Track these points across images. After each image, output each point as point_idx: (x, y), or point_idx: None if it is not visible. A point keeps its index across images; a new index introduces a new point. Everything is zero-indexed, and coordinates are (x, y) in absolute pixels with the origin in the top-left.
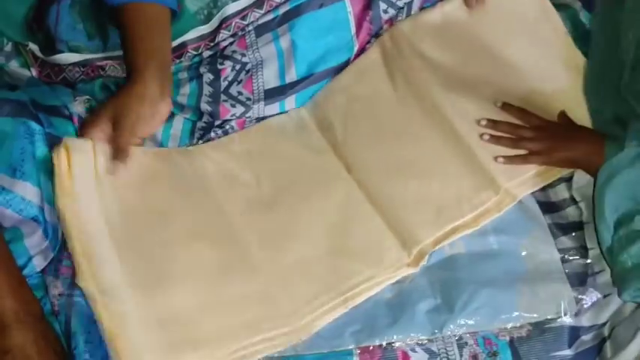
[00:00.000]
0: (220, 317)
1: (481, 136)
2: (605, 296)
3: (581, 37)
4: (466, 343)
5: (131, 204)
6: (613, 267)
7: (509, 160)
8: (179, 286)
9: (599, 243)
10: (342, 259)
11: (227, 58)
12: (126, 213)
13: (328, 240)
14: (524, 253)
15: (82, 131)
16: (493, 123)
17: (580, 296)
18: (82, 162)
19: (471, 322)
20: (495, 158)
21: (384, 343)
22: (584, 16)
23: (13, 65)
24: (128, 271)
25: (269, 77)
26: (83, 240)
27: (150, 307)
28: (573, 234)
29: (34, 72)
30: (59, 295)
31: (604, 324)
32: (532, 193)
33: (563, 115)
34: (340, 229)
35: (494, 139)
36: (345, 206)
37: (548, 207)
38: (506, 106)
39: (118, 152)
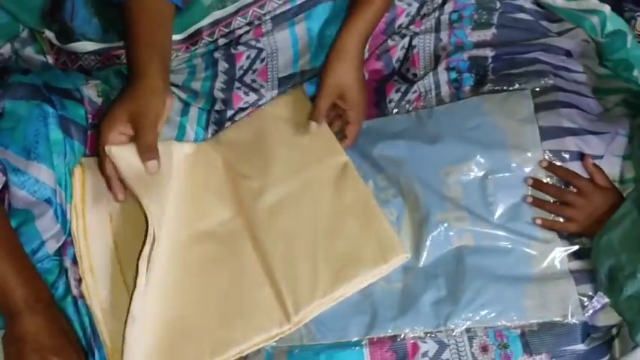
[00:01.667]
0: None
1: (525, 197)
2: None
3: (606, 46)
4: (476, 334)
5: (137, 215)
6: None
7: (550, 224)
8: (178, 298)
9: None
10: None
11: (242, 44)
12: (133, 225)
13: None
14: (533, 253)
15: (100, 139)
16: (539, 184)
17: (587, 300)
18: (95, 180)
19: (476, 317)
20: (534, 220)
21: (390, 332)
22: (612, 22)
23: (29, 51)
24: (130, 288)
25: (283, 65)
26: (90, 257)
27: (149, 323)
28: (580, 237)
29: (50, 59)
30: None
31: (614, 325)
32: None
33: (605, 179)
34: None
35: (537, 202)
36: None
37: None
38: (551, 166)
39: (151, 151)
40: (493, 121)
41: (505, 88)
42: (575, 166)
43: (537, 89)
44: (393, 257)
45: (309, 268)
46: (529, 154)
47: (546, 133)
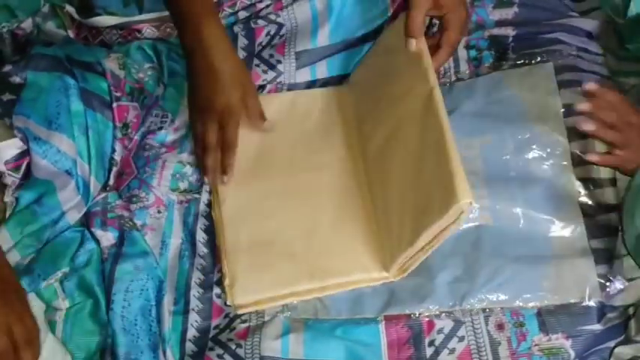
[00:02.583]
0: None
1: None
2: (630, 280)
3: (628, 29)
4: (492, 312)
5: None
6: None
7: (604, 160)
8: (287, 220)
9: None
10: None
11: (262, 18)
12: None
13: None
14: (552, 234)
15: (232, 123)
16: (602, 91)
17: (606, 282)
18: None
19: (492, 297)
20: (585, 155)
21: (406, 312)
22: (636, 4)
23: (50, 26)
24: (241, 204)
25: (302, 40)
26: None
27: (256, 234)
28: (607, 215)
29: (71, 34)
30: (111, 245)
31: (631, 305)
32: (573, 168)
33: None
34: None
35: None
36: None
37: (586, 184)
38: (596, 90)
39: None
40: (515, 95)
41: (527, 62)
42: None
43: (560, 66)
44: (452, 205)
45: (398, 223)
46: (552, 128)
47: (568, 111)
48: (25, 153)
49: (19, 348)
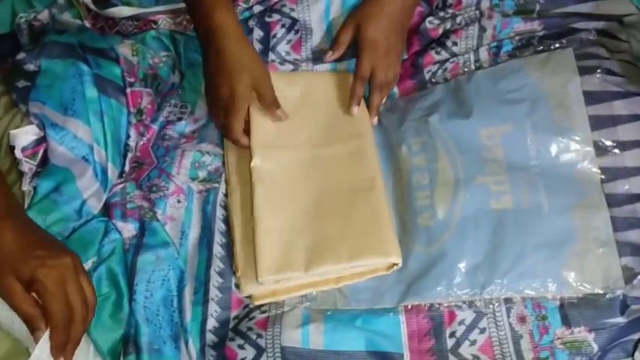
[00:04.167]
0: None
1: None
2: None
3: None
4: (514, 305)
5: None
6: None
7: None
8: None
9: None
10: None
11: (276, 11)
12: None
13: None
14: (576, 222)
15: (236, 120)
16: None
17: (631, 275)
18: None
19: (513, 286)
20: None
21: (425, 301)
22: None
23: (66, 17)
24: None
25: (317, 39)
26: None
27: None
28: (633, 205)
29: (87, 24)
30: (132, 236)
31: None
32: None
33: None
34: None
35: None
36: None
37: (611, 173)
38: None
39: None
40: (535, 82)
41: (546, 48)
42: (630, 129)
43: (581, 53)
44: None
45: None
46: (573, 115)
47: (591, 98)
48: (42, 140)
49: (91, 309)
